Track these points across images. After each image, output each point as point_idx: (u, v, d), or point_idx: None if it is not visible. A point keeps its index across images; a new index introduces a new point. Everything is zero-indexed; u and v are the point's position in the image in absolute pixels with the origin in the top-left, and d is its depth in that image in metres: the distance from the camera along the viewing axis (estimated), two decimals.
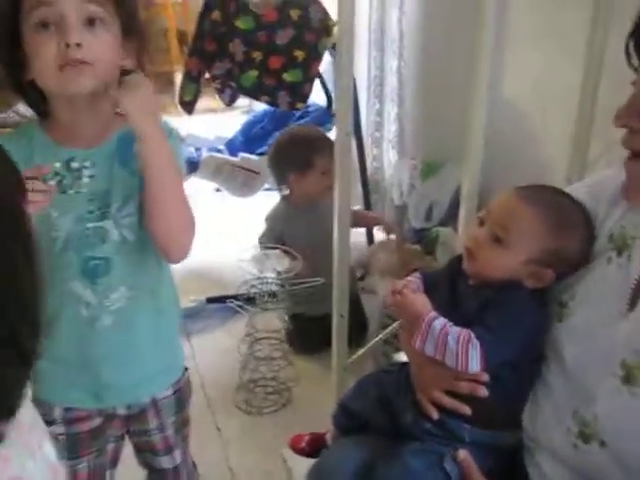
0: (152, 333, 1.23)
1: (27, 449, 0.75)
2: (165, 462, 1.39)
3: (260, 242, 2.50)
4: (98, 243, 1.13)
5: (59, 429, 1.23)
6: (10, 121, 3.01)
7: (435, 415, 1.10)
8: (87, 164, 1.13)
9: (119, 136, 1.15)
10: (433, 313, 1.07)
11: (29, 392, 0.79)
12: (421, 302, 1.10)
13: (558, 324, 1.04)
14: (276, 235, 2.48)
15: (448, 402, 1.09)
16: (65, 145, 1.14)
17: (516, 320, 1.05)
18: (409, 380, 1.16)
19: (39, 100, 1.13)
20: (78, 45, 1.03)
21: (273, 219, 2.55)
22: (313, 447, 1.40)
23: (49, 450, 0.81)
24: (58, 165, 1.12)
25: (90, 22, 1.05)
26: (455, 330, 1.04)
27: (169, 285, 1.29)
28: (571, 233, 1.06)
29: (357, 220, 2.51)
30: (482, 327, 1.04)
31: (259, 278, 2.11)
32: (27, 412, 0.77)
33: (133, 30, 1.13)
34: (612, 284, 0.99)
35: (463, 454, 1.06)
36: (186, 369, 1.38)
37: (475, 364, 1.03)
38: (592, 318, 1.00)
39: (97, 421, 1.27)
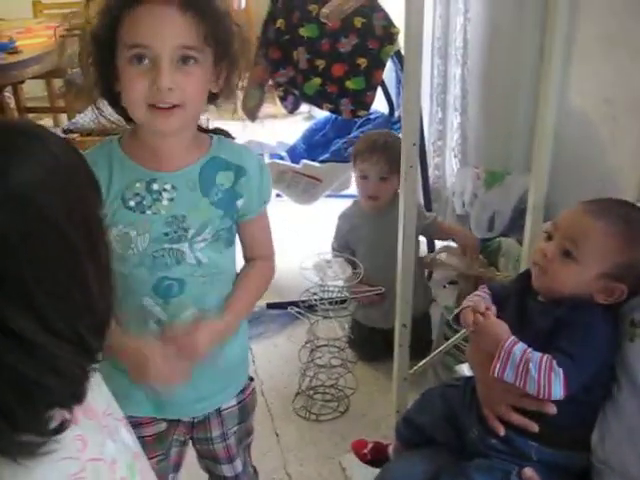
0: (218, 352, 1.23)
1: (105, 431, 0.78)
2: (226, 470, 1.41)
3: (332, 244, 2.53)
4: (173, 264, 1.15)
5: None
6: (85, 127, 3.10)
7: (502, 431, 1.08)
8: (167, 187, 1.15)
9: (203, 164, 1.17)
10: (513, 338, 1.05)
11: (102, 383, 0.81)
12: (501, 326, 1.08)
13: (629, 344, 1.02)
14: (342, 235, 2.50)
15: (516, 419, 1.07)
16: (147, 166, 1.15)
17: (594, 343, 1.03)
18: (475, 395, 1.15)
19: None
20: (169, 89, 1.05)
21: (343, 218, 2.57)
22: (375, 456, 1.40)
23: (127, 436, 0.83)
24: (138, 185, 1.14)
25: (184, 60, 1.06)
26: (536, 357, 1.01)
27: None
28: None
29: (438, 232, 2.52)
30: (562, 353, 1.01)
31: (320, 285, 2.11)
32: (102, 400, 0.80)
33: (227, 56, 1.14)
34: None
35: (529, 472, 1.04)
36: (251, 379, 1.39)
37: (558, 391, 1.01)
38: None
39: (162, 426, 1.29)
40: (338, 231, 2.55)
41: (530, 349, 1.03)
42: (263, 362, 2.45)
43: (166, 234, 1.14)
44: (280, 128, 4.36)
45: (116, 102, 1.14)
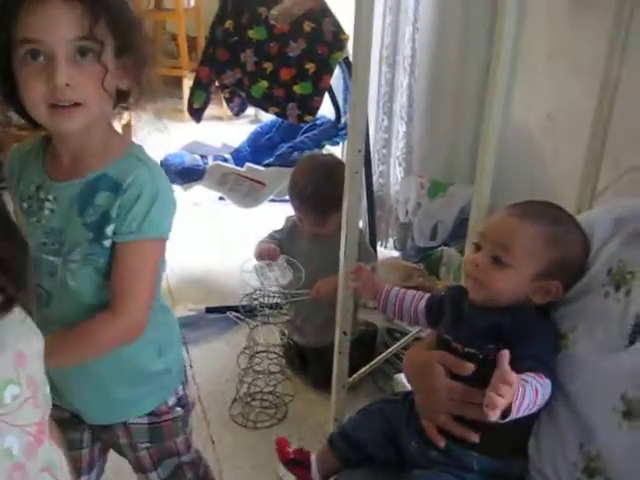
0: (106, 370, 1.18)
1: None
2: (140, 478, 1.37)
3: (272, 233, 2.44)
4: (46, 275, 1.11)
5: None
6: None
7: (442, 443, 1.07)
8: (50, 197, 1.11)
9: (88, 180, 1.09)
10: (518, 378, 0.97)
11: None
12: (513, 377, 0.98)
13: (558, 354, 1.03)
14: (282, 235, 2.43)
15: (456, 429, 1.06)
16: (46, 170, 1.12)
17: (549, 341, 1.04)
18: (414, 408, 1.14)
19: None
20: (67, 85, 0.99)
21: (289, 221, 2.45)
22: (298, 456, 1.35)
23: (13, 444, 0.79)
24: (32, 188, 1.12)
25: (81, 54, 1.01)
26: (541, 383, 0.98)
27: None
28: (571, 239, 1.07)
29: None
30: (541, 363, 1.00)
31: (261, 290, 2.08)
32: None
33: (130, 49, 1.08)
34: (611, 318, 0.99)
35: None
36: (182, 406, 1.32)
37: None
38: (592, 351, 0.99)
39: (65, 415, 1.24)
40: (271, 237, 2.44)
41: (531, 376, 0.98)
42: (201, 367, 2.41)
43: (44, 244, 1.10)
44: (225, 130, 4.34)
45: (21, 107, 1.06)
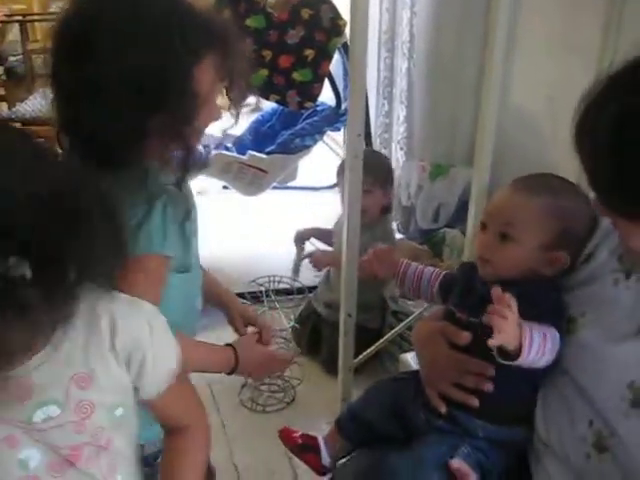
0: None
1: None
2: None
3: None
4: None
5: None
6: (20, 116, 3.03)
7: (443, 408, 1.09)
8: None
9: None
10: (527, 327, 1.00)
11: None
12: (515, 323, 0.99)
13: (567, 338, 1.03)
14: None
15: (455, 394, 1.09)
16: None
17: (559, 312, 1.05)
18: (422, 384, 1.16)
19: None
20: None
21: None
22: (305, 441, 1.36)
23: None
24: None
25: None
26: (550, 331, 1.01)
27: None
28: (573, 209, 1.08)
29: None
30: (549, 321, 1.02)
31: (267, 276, 2.11)
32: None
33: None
34: (621, 306, 0.99)
35: (457, 463, 1.05)
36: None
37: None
38: (601, 338, 1.00)
39: None
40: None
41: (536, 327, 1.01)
42: None
43: None
44: (227, 119, 4.34)
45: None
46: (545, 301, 1.06)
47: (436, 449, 1.07)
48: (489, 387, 1.06)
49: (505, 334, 0.95)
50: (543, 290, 1.08)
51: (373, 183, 2.24)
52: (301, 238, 2.53)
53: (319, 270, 2.37)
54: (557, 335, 1.01)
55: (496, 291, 0.97)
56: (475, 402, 1.07)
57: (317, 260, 2.35)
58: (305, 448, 1.33)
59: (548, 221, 1.07)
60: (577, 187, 1.11)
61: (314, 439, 1.33)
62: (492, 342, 0.95)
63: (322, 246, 2.56)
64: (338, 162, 2.55)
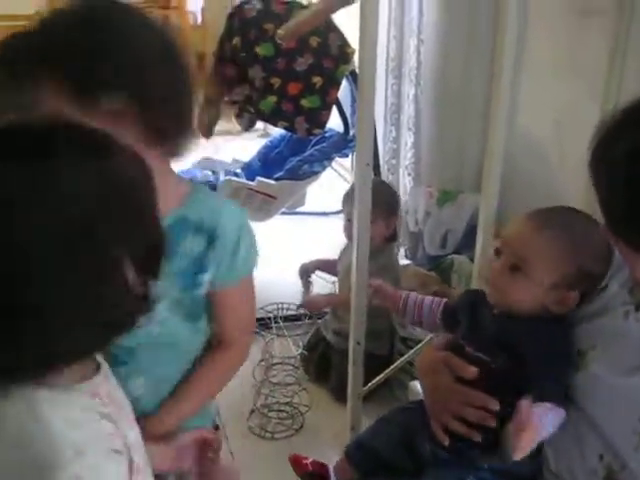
0: None
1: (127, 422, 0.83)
2: None
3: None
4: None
5: None
6: None
7: (446, 441, 1.08)
8: None
9: (169, 222, 0.98)
10: (539, 410, 0.99)
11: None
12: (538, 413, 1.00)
13: (578, 372, 1.03)
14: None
15: (457, 426, 1.07)
16: None
17: (565, 358, 1.04)
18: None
19: None
20: None
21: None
22: (315, 468, 1.36)
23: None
24: None
25: None
26: (555, 412, 1.00)
27: None
28: (589, 249, 1.06)
29: None
30: (558, 388, 1.01)
31: (276, 303, 2.12)
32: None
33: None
34: (631, 339, 0.98)
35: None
36: None
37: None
38: (611, 371, 0.99)
39: None
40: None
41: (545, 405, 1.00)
42: None
43: None
44: (235, 145, 4.37)
45: None
46: (553, 341, 1.05)
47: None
48: (492, 423, 1.04)
49: (529, 449, 0.95)
50: (551, 327, 1.06)
51: (375, 214, 2.25)
52: (306, 271, 2.54)
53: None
54: (564, 413, 1.00)
55: (526, 407, 0.96)
56: (477, 437, 1.06)
57: (310, 305, 2.35)
58: (314, 476, 1.32)
59: (562, 262, 1.05)
60: (597, 225, 1.06)
61: (324, 467, 1.32)
62: (516, 457, 0.95)
63: (327, 277, 2.58)
64: (347, 187, 2.56)
